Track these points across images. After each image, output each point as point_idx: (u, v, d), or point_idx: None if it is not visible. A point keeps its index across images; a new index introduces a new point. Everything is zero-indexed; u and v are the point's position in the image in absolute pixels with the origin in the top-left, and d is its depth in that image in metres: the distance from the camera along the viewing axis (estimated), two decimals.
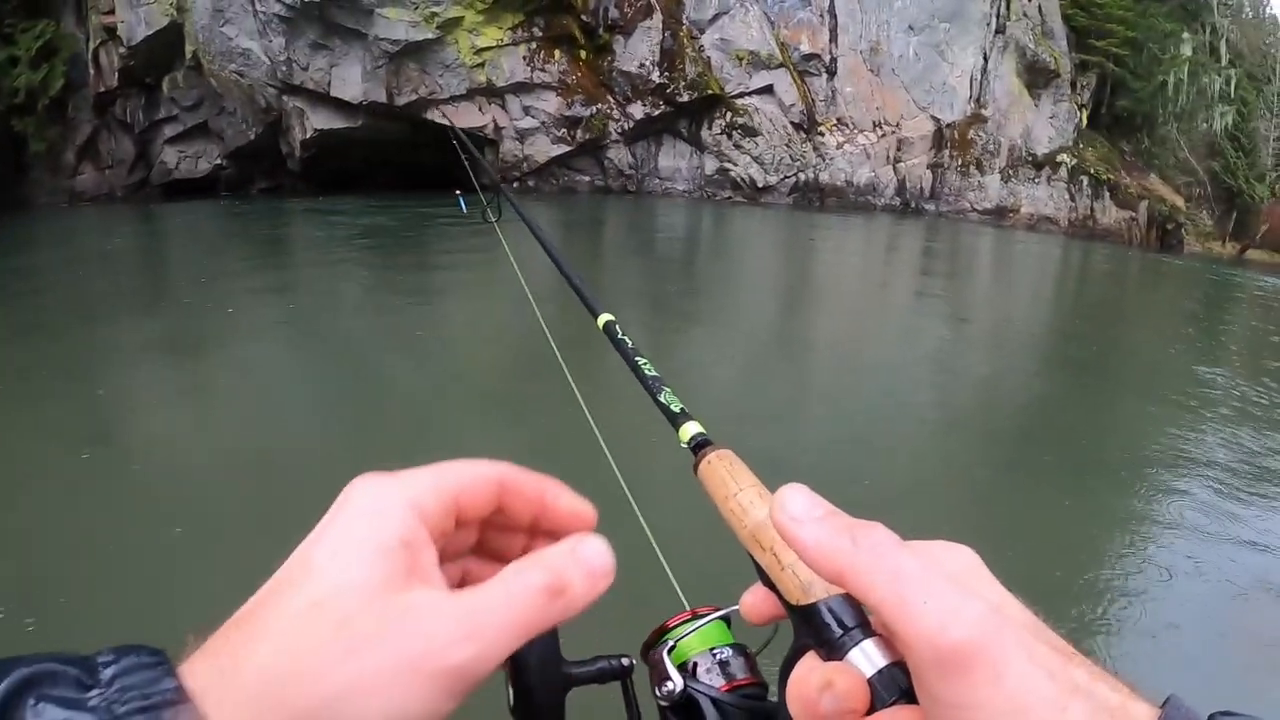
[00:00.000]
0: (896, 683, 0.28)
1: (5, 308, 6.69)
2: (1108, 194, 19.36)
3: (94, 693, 0.23)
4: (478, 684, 0.26)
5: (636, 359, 0.54)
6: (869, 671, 0.28)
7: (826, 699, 0.28)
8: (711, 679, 0.43)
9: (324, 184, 14.61)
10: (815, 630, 0.31)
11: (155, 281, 8.28)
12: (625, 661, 0.40)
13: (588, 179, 14.40)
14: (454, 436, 4.04)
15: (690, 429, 0.43)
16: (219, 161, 15.76)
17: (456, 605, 0.26)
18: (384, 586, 0.26)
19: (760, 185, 14.38)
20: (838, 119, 15.09)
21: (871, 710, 0.28)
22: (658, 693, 0.42)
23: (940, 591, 0.26)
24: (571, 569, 0.28)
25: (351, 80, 14.02)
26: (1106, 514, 3.77)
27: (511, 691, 0.44)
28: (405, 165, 14.41)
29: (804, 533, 0.29)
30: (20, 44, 13.71)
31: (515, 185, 13.84)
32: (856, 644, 0.29)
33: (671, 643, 0.44)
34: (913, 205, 15.76)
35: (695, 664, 0.44)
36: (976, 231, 15.48)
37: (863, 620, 0.30)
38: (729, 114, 14.29)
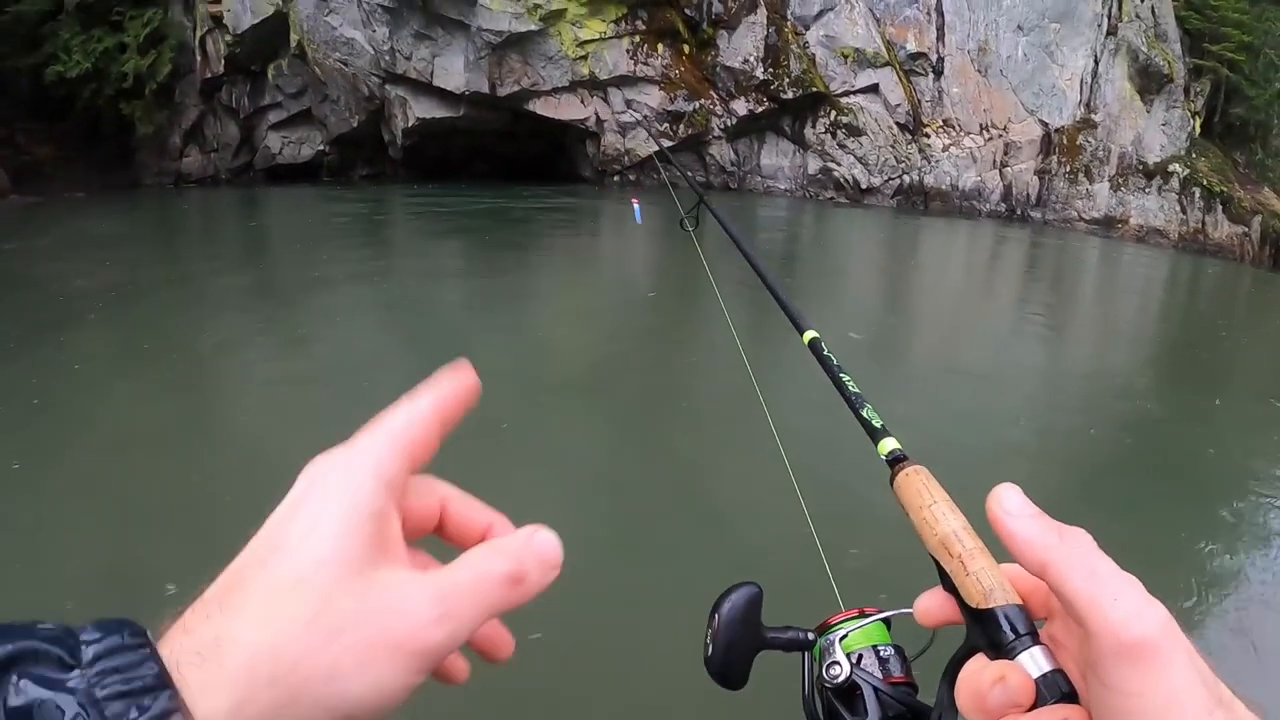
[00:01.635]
0: (1059, 686, 0.31)
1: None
2: (1220, 207, 18.31)
3: (75, 673, 0.23)
4: (445, 657, 0.28)
5: (841, 375, 0.55)
6: (1036, 673, 0.32)
7: (998, 691, 0.31)
8: (875, 671, 0.46)
9: (424, 171, 14.86)
10: (989, 633, 0.34)
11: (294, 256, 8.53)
12: (811, 635, 0.44)
13: (689, 175, 14.29)
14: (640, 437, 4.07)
15: (889, 444, 0.46)
16: (321, 147, 16.19)
17: (431, 588, 0.28)
18: (360, 563, 0.27)
19: (864, 186, 14.04)
20: (944, 120, 14.62)
21: (1034, 707, 0.31)
22: (825, 674, 0.46)
23: (1129, 593, 0.30)
24: (529, 559, 0.30)
25: (454, 70, 14.19)
26: (1218, 546, 3.60)
27: (711, 646, 0.50)
28: (505, 155, 14.55)
29: (1018, 526, 0.33)
30: (129, 30, 14.29)
31: (616, 179, 13.81)
32: (1026, 649, 0.33)
33: (843, 633, 0.47)
34: (1018, 212, 15.17)
35: (860, 655, 0.47)
36: (1084, 241, 14.83)
37: (1032, 629, 0.34)
38: (833, 113, 13.98)
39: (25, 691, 0.23)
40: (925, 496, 0.42)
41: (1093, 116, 16.29)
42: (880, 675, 0.47)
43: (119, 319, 5.80)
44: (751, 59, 13.69)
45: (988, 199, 14.92)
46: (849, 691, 0.46)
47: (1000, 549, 0.37)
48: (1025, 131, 15.44)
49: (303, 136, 16.59)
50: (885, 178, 14.14)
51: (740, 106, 13.72)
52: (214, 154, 16.79)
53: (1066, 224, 15.53)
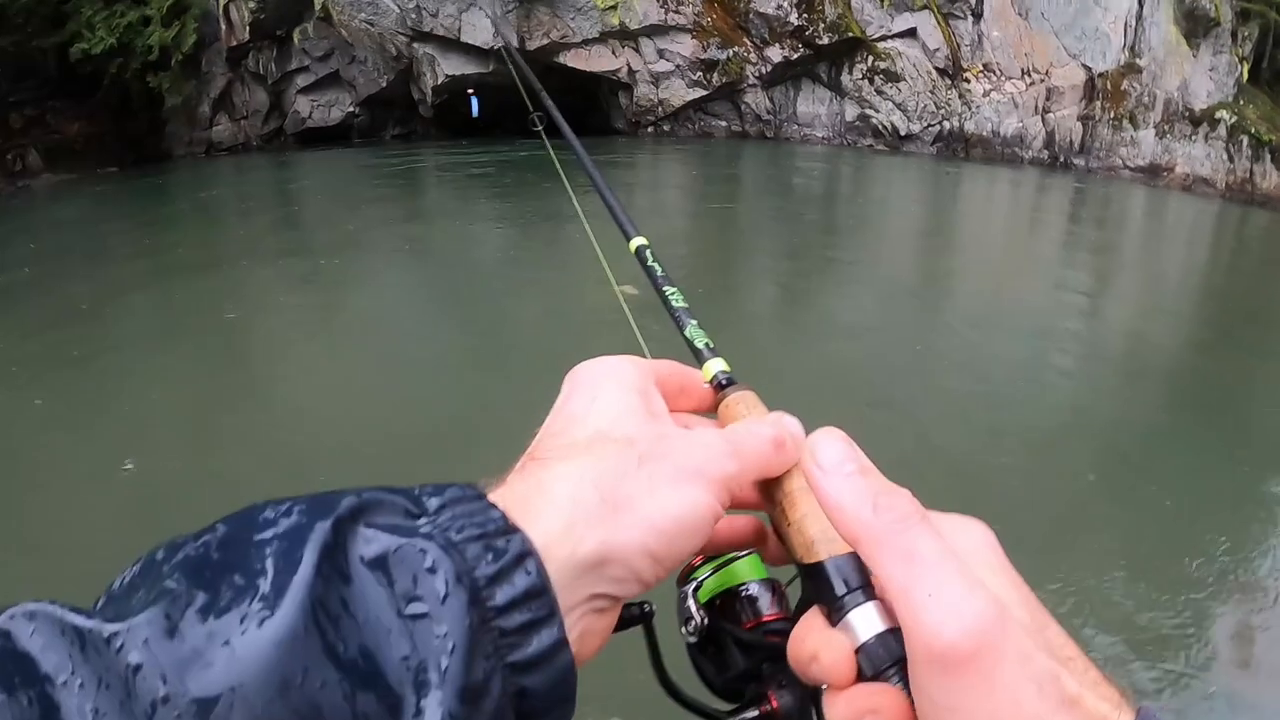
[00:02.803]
0: (889, 651, 0.28)
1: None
2: (1269, 156, 17.68)
3: (423, 520, 0.24)
4: (734, 498, 0.31)
5: (665, 289, 0.51)
6: (865, 636, 0.29)
7: (814, 669, 0.29)
8: (737, 616, 0.42)
9: (456, 129, 14.80)
10: (818, 588, 0.31)
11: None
12: (646, 608, 0.38)
13: (724, 124, 14.07)
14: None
15: (714, 365, 0.42)
16: (351, 109, 16.15)
17: (719, 432, 0.33)
18: (647, 417, 0.31)
19: (903, 133, 13.74)
20: (984, 65, 14.21)
21: (861, 679, 0.28)
22: (684, 631, 0.42)
23: (947, 584, 0.25)
24: (787, 432, 0.33)
25: (482, 26, 14.02)
26: (1246, 501, 3.52)
27: None
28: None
29: (829, 486, 0.29)
30: (151, 3, 14.27)
31: (650, 130, 13.64)
32: (857, 606, 0.30)
33: (697, 581, 0.43)
34: (1061, 159, 14.78)
35: (721, 601, 0.43)
36: (1128, 190, 14.44)
37: (866, 581, 0.31)
38: (870, 58, 13.65)
39: (375, 540, 0.22)
40: None
41: (1137, 61, 15.74)
42: (746, 618, 0.42)
43: (160, 292, 5.85)
44: (785, 4, 13.37)
45: (1030, 146, 14.54)
46: (717, 643, 0.42)
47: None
48: (1068, 76, 14.98)
49: (332, 99, 16.55)
50: (924, 124, 13.81)
51: (775, 54, 13.43)
52: (244, 121, 16.83)
53: (1111, 172, 15.11)
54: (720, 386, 0.41)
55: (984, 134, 14.12)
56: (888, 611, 0.29)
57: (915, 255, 7.59)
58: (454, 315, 5.22)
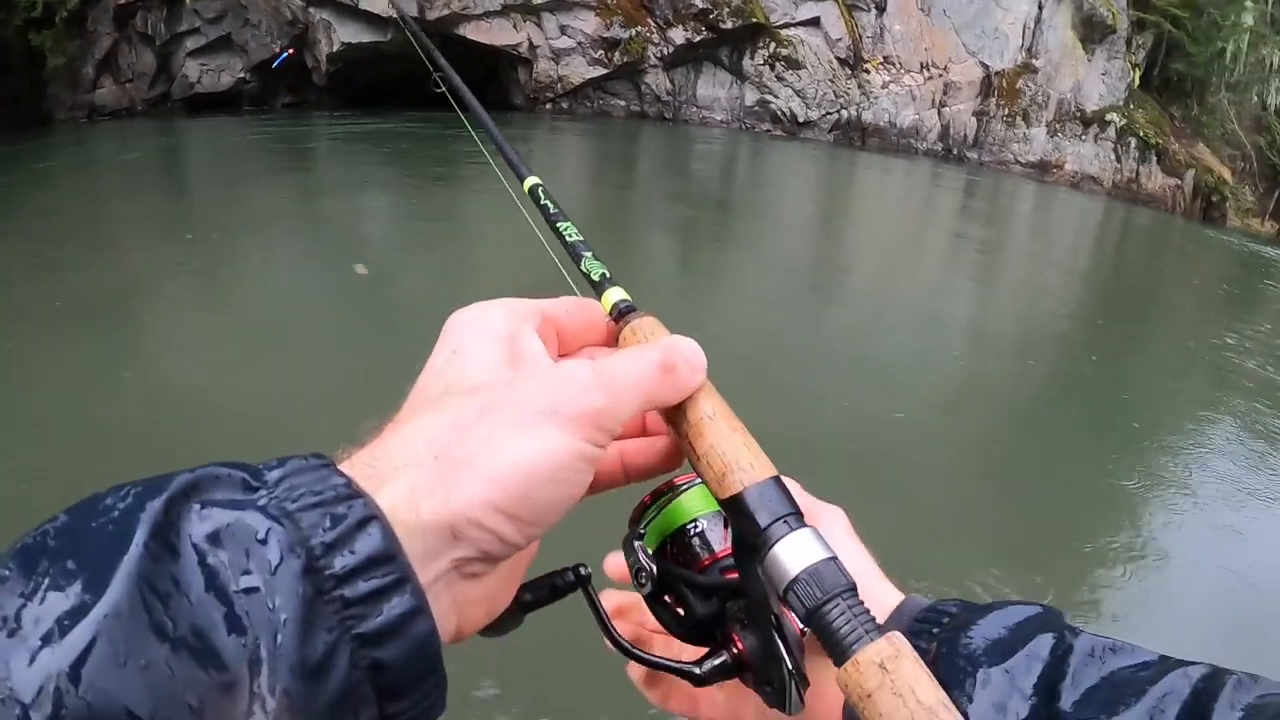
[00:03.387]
0: (823, 586, 0.27)
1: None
2: (1155, 158, 18.67)
3: (261, 493, 0.23)
4: (612, 435, 0.28)
5: (560, 223, 0.50)
6: (795, 569, 0.27)
7: None
8: (690, 556, 0.39)
9: (351, 99, 14.19)
10: (740, 523, 0.29)
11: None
12: (579, 572, 0.36)
13: (623, 104, 13.90)
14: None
15: (613, 295, 0.40)
16: (242, 75, 15.31)
17: (589, 365, 0.29)
18: (505, 362, 0.29)
19: (801, 120, 13.86)
20: (884, 57, 14.48)
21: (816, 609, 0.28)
22: (636, 583, 0.39)
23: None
24: (679, 354, 0.31)
25: None
26: (1122, 480, 3.70)
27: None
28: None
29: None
30: None
31: (549, 107, 13.38)
32: (787, 533, 0.28)
33: (646, 522, 0.40)
34: (955, 152, 15.22)
35: (671, 543, 0.40)
36: (1018, 184, 14.99)
37: (793, 509, 0.29)
38: (773, 44, 13.70)
39: (210, 517, 0.21)
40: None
41: (1034, 62, 16.32)
42: (700, 558, 0.38)
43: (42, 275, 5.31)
44: None
45: (925, 138, 14.91)
46: (673, 591, 0.38)
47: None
48: (965, 73, 15.41)
49: (222, 64, 15.65)
50: (823, 112, 13.97)
51: (678, 35, 13.34)
52: (129, 84, 15.76)
53: (1002, 166, 15.66)
54: (620, 315, 0.39)
55: (881, 124, 14.40)
56: (820, 539, 0.28)
57: (809, 240, 7.65)
58: (353, 279, 4.89)
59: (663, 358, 0.30)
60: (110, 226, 6.04)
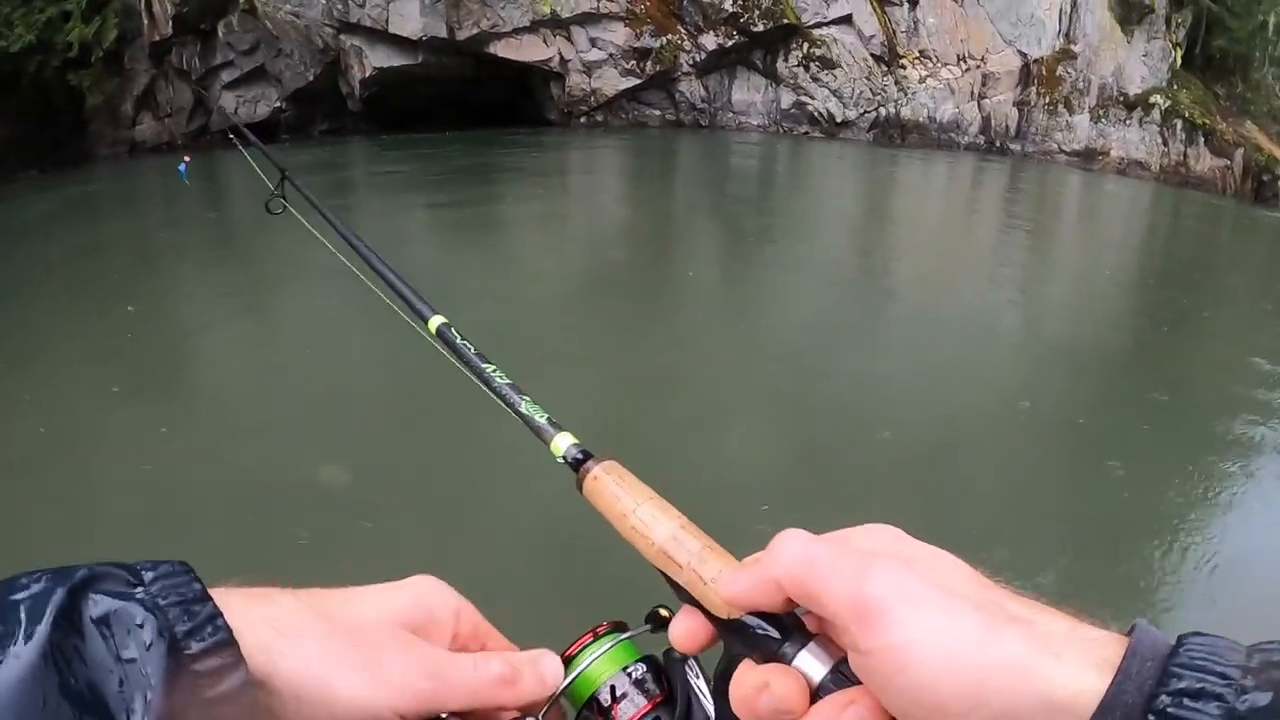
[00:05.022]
0: (846, 678, 0.29)
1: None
2: (1202, 139, 18.02)
3: (139, 589, 0.30)
4: (434, 714, 0.33)
5: (485, 366, 0.46)
6: (818, 676, 0.29)
7: (764, 700, 0.29)
8: (622, 713, 0.37)
9: (387, 123, 14.30)
10: (751, 640, 0.30)
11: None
12: None
13: (658, 113, 13.81)
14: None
15: (563, 442, 0.39)
16: (278, 104, 15.55)
17: (435, 656, 0.34)
18: (396, 630, 0.34)
19: (839, 120, 13.63)
20: (920, 51, 14.18)
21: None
22: None
23: (848, 561, 0.29)
24: (528, 671, 0.35)
25: (410, 16, 13.59)
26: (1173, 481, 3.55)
27: None
28: (471, 102, 14.02)
29: (742, 596, 0.31)
30: None
31: (584, 120, 13.32)
32: (799, 650, 0.29)
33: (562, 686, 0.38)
34: (997, 144, 14.84)
35: (594, 701, 0.38)
36: (1064, 174, 14.57)
37: (798, 625, 0.30)
38: (806, 45, 13.50)
39: (100, 603, 0.28)
40: (626, 501, 0.35)
41: (1072, 47, 15.88)
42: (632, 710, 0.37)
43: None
44: None
45: (966, 131, 14.56)
46: None
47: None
48: (1003, 62, 15.04)
49: (258, 94, 15.93)
50: (860, 111, 13.72)
51: (709, 41, 13.22)
52: (168, 119, 16.12)
53: (1047, 156, 15.23)
54: (576, 464, 0.37)
55: (920, 120, 14.10)
56: (830, 646, 0.29)
57: (856, 241, 7.44)
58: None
59: (503, 672, 0.34)
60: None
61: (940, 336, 4.89)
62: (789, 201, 9.24)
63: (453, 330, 0.52)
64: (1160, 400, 4.39)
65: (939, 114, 14.25)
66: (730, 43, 13.27)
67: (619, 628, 0.39)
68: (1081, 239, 9.84)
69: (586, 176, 10.21)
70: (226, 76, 15.84)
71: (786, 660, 0.29)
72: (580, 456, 0.37)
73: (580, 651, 0.38)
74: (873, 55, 13.91)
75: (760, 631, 0.30)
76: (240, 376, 3.23)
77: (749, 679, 0.30)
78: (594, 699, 0.37)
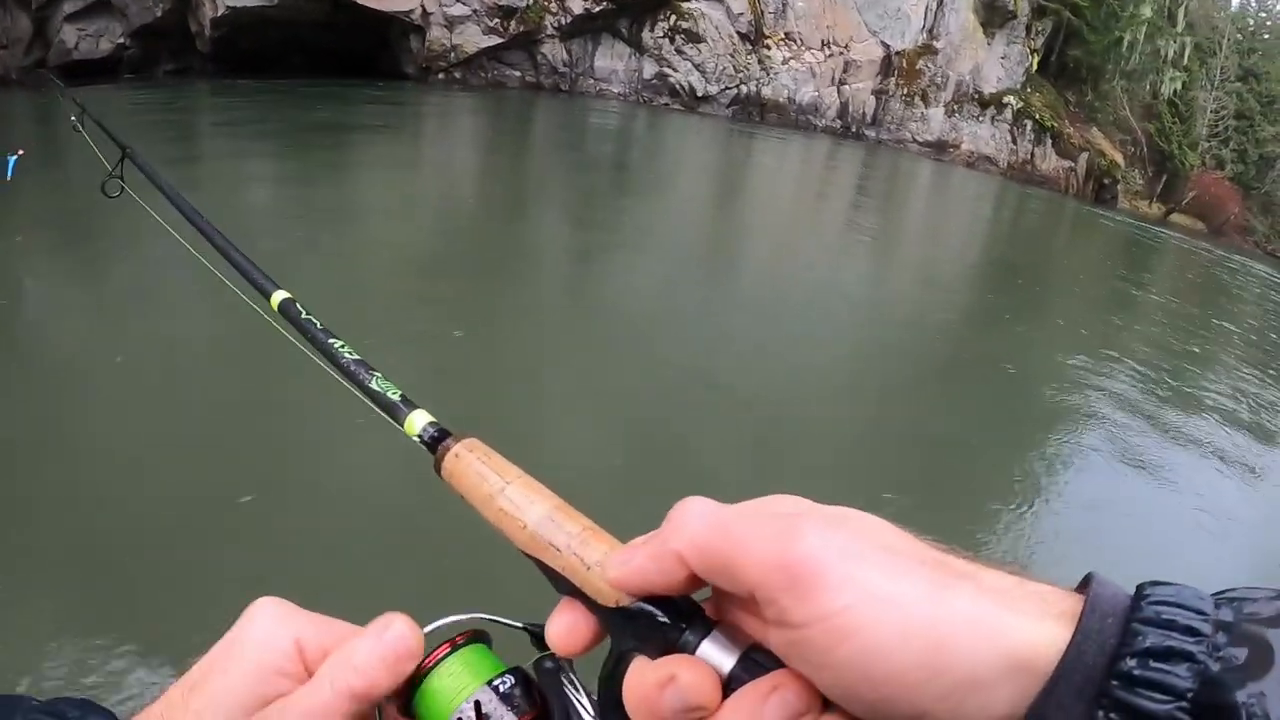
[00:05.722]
0: (758, 663, 0.25)
1: None
2: (1050, 141, 19.53)
3: None
4: None
5: (331, 341, 0.44)
6: (730, 663, 0.26)
7: (670, 694, 0.25)
8: None
9: (235, 66, 13.58)
10: (644, 632, 0.27)
11: None
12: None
13: (518, 74, 13.72)
14: None
15: (419, 419, 0.36)
16: (122, 40, 14.47)
17: (304, 706, 0.30)
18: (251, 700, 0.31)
19: (700, 94, 13.95)
20: (786, 33, 14.69)
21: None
22: None
23: (767, 522, 0.25)
24: (390, 650, 0.31)
25: None
26: (1013, 449, 3.77)
27: None
28: (325, 49, 13.49)
29: (636, 576, 0.27)
30: None
31: (441, 77, 13.10)
32: (703, 637, 0.26)
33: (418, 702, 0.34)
34: (853, 129, 15.59)
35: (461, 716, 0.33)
36: (915, 162, 15.45)
37: (696, 609, 0.27)
38: (673, 17, 13.72)
39: None
40: (493, 480, 0.31)
41: (934, 43, 16.83)
42: None
43: None
44: None
45: (824, 114, 15.22)
46: None
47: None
48: (866, 51, 15.78)
49: (101, 28, 14.75)
50: (722, 86, 14.10)
51: (576, 5, 13.22)
52: (3, 51, 14.75)
53: (900, 144, 16.12)
54: (434, 443, 0.34)
55: (780, 100, 14.63)
56: (737, 632, 0.26)
57: (698, 220, 7.57)
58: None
59: (351, 685, 0.30)
60: None
61: (788, 310, 4.94)
62: (644, 170, 9.40)
63: (297, 305, 0.49)
64: (1009, 373, 4.63)
65: (799, 96, 14.83)
66: (598, 9, 13.32)
67: (478, 637, 0.34)
68: (930, 224, 10.44)
69: (442, 137, 10.06)
70: (69, 7, 14.60)
71: (689, 650, 0.26)
72: (437, 435, 0.35)
73: (436, 664, 0.33)
74: (739, 33, 14.30)
75: (657, 619, 0.26)
76: (68, 376, 2.94)
77: (648, 675, 0.25)
78: (456, 718, 0.32)
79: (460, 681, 0.33)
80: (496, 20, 12.89)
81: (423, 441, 0.36)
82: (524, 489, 0.31)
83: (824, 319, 5.09)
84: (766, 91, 14.44)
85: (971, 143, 17.23)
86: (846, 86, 15.40)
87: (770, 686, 0.24)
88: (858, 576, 0.23)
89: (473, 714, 0.32)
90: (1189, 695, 0.19)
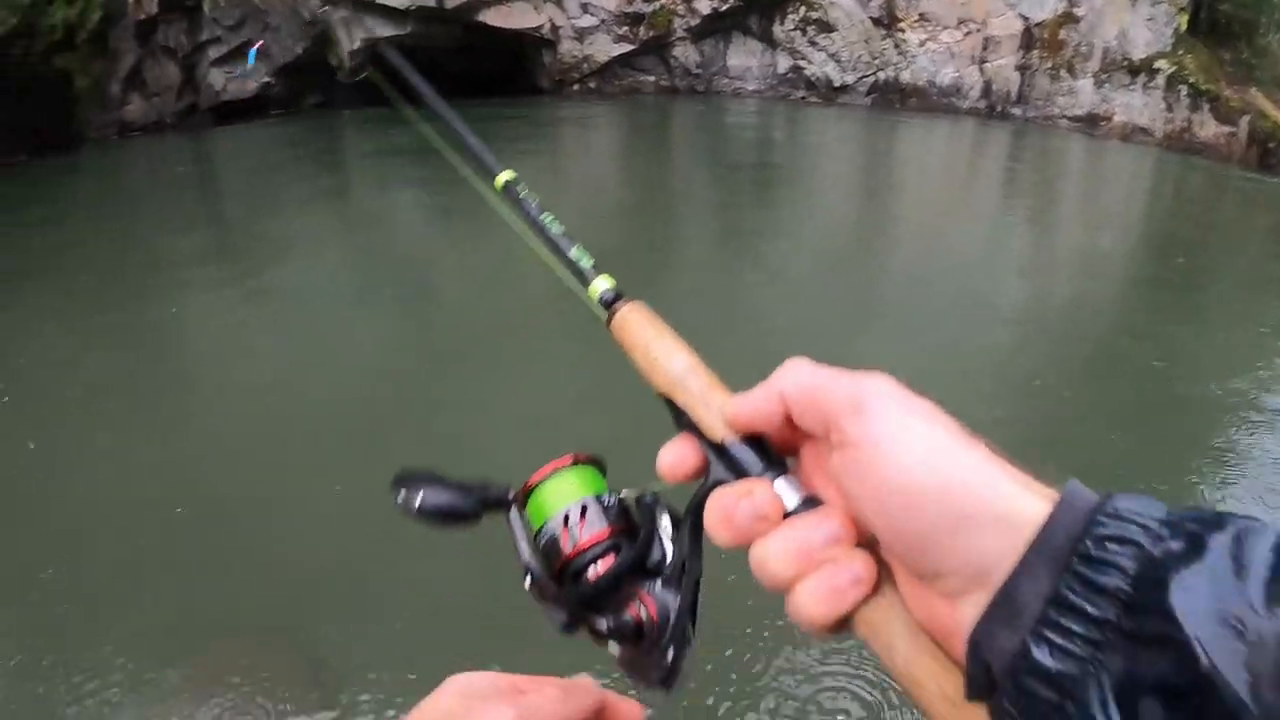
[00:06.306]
0: (817, 506, 0.32)
1: None
2: (1207, 106, 17.69)
3: None
4: None
5: (542, 216, 0.50)
6: (795, 499, 0.32)
7: (745, 504, 0.32)
8: (566, 543, 0.39)
9: (378, 95, 14.05)
10: (735, 466, 0.33)
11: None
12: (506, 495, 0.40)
13: (652, 79, 13.54)
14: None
15: (601, 284, 0.42)
16: (267, 80, 15.30)
17: None
18: None
19: (836, 85, 13.36)
20: (920, 15, 13.88)
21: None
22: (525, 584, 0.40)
23: (850, 375, 0.32)
24: (581, 699, 0.36)
25: None
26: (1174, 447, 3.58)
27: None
28: (462, 72, 13.78)
29: (747, 408, 0.33)
30: None
31: (576, 88, 13.07)
32: (778, 476, 0.32)
33: (525, 515, 0.40)
34: (999, 109, 14.57)
35: (543, 537, 0.40)
36: (1066, 140, 14.31)
37: (780, 460, 0.33)
38: (803, 8, 13.21)
39: None
40: (649, 332, 0.38)
41: (1075, 11, 15.55)
42: (569, 548, 0.39)
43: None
44: None
45: (966, 96, 14.29)
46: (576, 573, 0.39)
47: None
48: (1005, 25, 14.73)
49: (246, 70, 15.67)
50: (859, 75, 13.44)
51: (703, 5, 12.93)
52: (156, 99, 15.87)
53: (1049, 121, 14.96)
54: (607, 304, 0.40)
55: (920, 84, 13.82)
56: (802, 483, 0.33)
57: (847, 213, 7.25)
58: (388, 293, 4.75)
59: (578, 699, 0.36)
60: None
61: (940, 306, 4.75)
62: (786, 167, 9.03)
63: (518, 186, 0.53)
64: (1156, 368, 4.30)
65: (939, 78, 13.98)
66: (725, 7, 12.98)
67: (594, 462, 0.41)
68: (1085, 206, 9.66)
69: (580, 146, 10.01)
70: (214, 53, 15.59)
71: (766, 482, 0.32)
72: (612, 297, 0.40)
73: (565, 468, 0.39)
74: (871, 19, 13.62)
75: (746, 455, 0.33)
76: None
77: (730, 491, 0.32)
78: (564, 513, 0.38)
79: (574, 489, 0.39)
80: (625, 28, 12.77)
81: (601, 302, 0.41)
82: (671, 344, 0.38)
83: (966, 311, 4.72)
84: (905, 76, 13.68)
85: (1124, 113, 15.78)
86: (988, 64, 14.41)
87: (821, 516, 0.31)
88: (904, 418, 0.29)
89: (578, 514, 0.39)
90: (1132, 573, 0.25)
